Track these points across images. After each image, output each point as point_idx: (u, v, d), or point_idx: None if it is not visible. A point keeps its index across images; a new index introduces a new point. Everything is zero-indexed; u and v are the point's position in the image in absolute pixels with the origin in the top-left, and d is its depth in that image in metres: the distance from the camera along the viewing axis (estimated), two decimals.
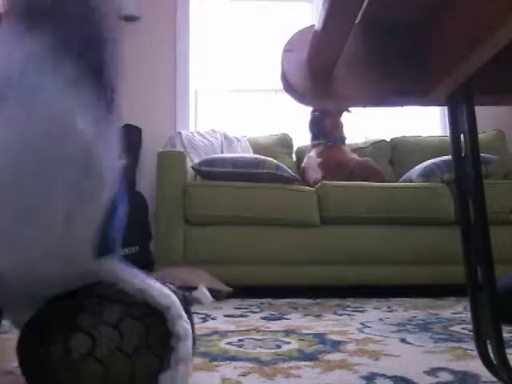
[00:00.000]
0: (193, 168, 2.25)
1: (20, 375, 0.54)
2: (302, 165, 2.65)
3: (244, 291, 1.96)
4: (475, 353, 0.63)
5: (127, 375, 0.46)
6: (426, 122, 3.27)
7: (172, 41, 3.18)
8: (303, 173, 2.59)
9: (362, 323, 1.24)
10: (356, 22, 0.61)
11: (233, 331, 1.07)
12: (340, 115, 2.64)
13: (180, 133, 2.72)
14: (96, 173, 0.45)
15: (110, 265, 0.50)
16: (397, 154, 2.91)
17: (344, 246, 2.14)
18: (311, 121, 2.63)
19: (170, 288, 0.55)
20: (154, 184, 2.33)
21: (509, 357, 0.59)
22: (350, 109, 2.61)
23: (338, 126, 2.61)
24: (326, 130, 2.57)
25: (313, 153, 2.59)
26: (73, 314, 0.48)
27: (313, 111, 2.64)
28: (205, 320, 1.28)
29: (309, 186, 2.35)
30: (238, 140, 2.81)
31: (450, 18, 0.57)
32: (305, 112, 2.72)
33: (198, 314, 1.40)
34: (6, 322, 0.64)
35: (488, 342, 0.59)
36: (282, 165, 2.28)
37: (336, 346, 0.90)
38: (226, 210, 2.12)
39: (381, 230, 2.18)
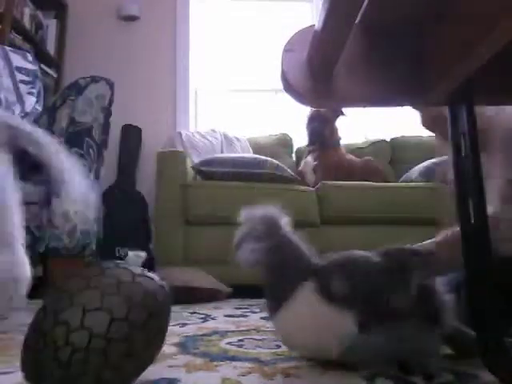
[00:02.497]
0: (193, 168, 2.25)
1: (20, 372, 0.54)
2: (299, 168, 2.65)
3: (244, 291, 1.96)
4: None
5: None
6: None
7: (172, 41, 3.18)
8: (301, 176, 2.59)
9: None
10: (356, 21, 0.61)
11: (233, 331, 1.07)
12: (335, 120, 2.65)
13: (180, 133, 2.72)
14: None
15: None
16: (397, 154, 2.91)
17: (344, 246, 2.13)
18: (312, 132, 2.61)
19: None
20: (153, 184, 2.33)
21: None
22: (344, 112, 2.64)
23: (334, 132, 2.63)
24: (326, 138, 2.58)
25: (309, 158, 2.60)
26: None
27: (310, 120, 2.62)
28: (205, 320, 1.28)
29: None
30: (237, 140, 2.81)
31: (449, 17, 0.57)
32: (305, 112, 2.72)
33: (198, 313, 1.40)
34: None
35: (488, 341, 0.59)
36: (282, 165, 2.28)
37: None
38: (226, 210, 2.12)
39: (381, 230, 2.18)
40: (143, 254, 1.67)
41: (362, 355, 0.67)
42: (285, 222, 0.74)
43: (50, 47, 2.95)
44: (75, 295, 0.53)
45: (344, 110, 2.65)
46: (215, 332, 1.06)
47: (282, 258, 0.71)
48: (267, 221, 0.73)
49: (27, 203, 1.38)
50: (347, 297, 0.66)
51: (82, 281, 0.55)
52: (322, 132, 2.58)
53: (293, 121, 3.07)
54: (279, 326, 0.72)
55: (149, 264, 2.38)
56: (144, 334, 0.54)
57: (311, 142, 2.62)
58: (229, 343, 0.92)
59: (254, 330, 1.10)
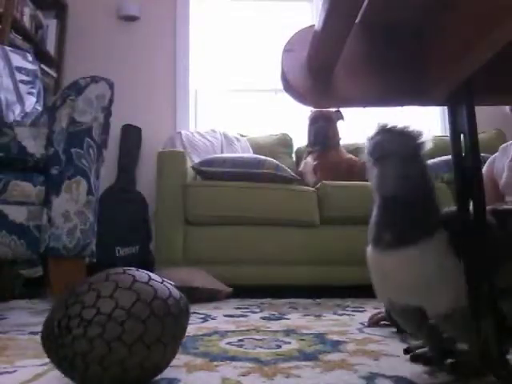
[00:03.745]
0: (193, 168, 2.25)
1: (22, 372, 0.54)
2: (299, 169, 2.64)
3: (244, 291, 1.96)
4: None
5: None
6: (426, 121, 3.27)
7: (172, 41, 3.18)
8: (301, 177, 2.59)
9: (361, 323, 1.24)
10: (356, 21, 0.61)
11: (233, 331, 1.07)
12: (337, 121, 2.65)
13: (180, 133, 2.72)
14: None
15: None
16: None
17: (344, 246, 2.14)
18: (316, 132, 2.60)
19: (170, 285, 0.65)
20: (153, 184, 2.33)
21: (509, 357, 0.59)
22: (343, 116, 2.66)
23: (336, 133, 2.63)
24: (329, 138, 2.58)
25: (309, 158, 2.59)
26: None
27: (313, 120, 2.62)
28: (205, 320, 1.28)
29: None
30: (237, 140, 2.81)
31: (449, 18, 0.57)
32: (305, 112, 2.72)
33: (197, 313, 1.40)
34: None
35: (488, 341, 0.59)
36: (281, 165, 2.28)
37: (336, 346, 0.90)
38: (226, 210, 2.12)
39: None
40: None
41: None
42: (424, 146, 0.67)
43: (50, 47, 2.95)
44: (111, 275, 0.62)
45: (344, 111, 2.66)
46: (215, 332, 1.06)
47: (417, 196, 0.68)
48: (408, 144, 0.66)
49: (27, 203, 1.38)
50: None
51: (119, 269, 0.65)
52: (326, 132, 2.58)
53: (293, 121, 3.06)
54: (395, 263, 0.66)
55: (149, 264, 2.38)
56: (160, 326, 0.60)
57: (315, 142, 2.61)
58: (229, 343, 0.92)
59: (253, 329, 1.10)
